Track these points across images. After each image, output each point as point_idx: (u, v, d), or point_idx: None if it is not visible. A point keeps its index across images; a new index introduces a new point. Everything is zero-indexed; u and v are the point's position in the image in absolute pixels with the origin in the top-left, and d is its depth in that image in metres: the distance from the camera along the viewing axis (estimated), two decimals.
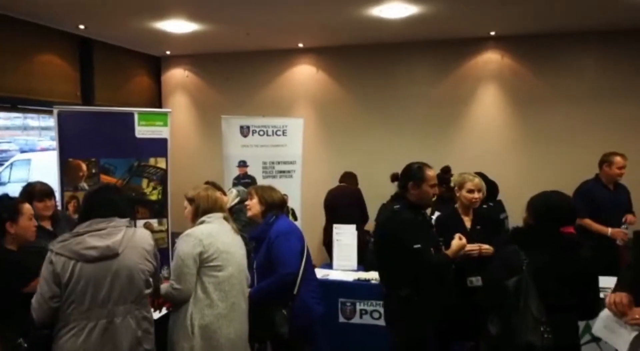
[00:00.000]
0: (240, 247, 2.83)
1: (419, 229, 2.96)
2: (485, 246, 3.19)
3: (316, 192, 5.97)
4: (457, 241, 3.01)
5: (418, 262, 2.86)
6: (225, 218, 2.83)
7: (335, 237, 4.68)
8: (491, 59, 6.34)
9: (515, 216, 4.95)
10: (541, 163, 6.15)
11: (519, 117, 6.29)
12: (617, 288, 2.27)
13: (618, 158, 4.43)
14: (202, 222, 2.75)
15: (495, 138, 6.38)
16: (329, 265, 4.64)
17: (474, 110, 6.46)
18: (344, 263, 4.53)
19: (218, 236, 2.71)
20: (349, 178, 5.90)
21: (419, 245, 2.86)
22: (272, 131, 5.18)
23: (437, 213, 3.95)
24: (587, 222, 4.31)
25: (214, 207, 2.80)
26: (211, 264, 2.65)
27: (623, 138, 5.75)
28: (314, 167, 6.55)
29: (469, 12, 5.22)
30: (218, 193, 2.99)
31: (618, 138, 5.77)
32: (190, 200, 2.84)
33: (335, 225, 4.84)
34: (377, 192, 5.37)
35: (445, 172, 4.95)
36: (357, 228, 4.74)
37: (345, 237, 4.64)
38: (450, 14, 5.21)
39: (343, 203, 5.54)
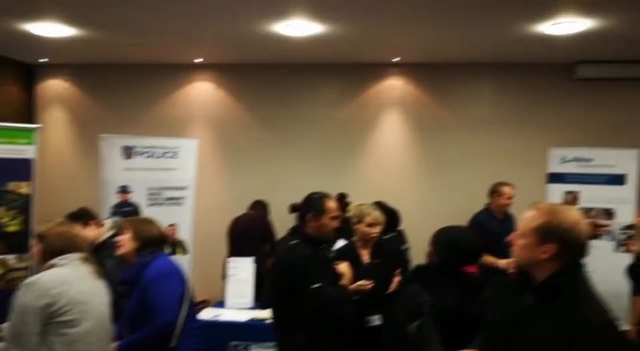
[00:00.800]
0: (101, 295, 2.31)
1: (318, 266, 2.68)
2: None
3: (213, 220, 5.49)
4: (342, 267, 2.79)
5: (316, 303, 2.57)
6: (84, 259, 2.30)
7: (230, 271, 4.25)
8: (395, 85, 6.31)
9: (417, 245, 4.90)
10: (442, 190, 6.16)
11: (421, 143, 6.28)
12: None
13: (506, 189, 4.54)
14: (52, 266, 2.21)
15: (398, 164, 6.31)
16: (222, 304, 4.19)
17: (377, 136, 6.36)
18: (238, 301, 4.10)
19: (72, 283, 2.17)
20: (258, 206, 5.51)
21: (318, 285, 2.57)
22: (161, 153, 4.64)
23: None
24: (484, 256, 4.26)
25: (68, 246, 2.26)
26: (62, 319, 2.11)
27: (517, 166, 5.92)
28: (210, 193, 6.07)
29: (373, 36, 5.13)
30: (77, 228, 2.45)
31: (512, 166, 5.94)
32: (40, 238, 2.29)
33: (230, 259, 4.43)
34: (279, 222, 5.09)
35: (340, 199, 4.76)
36: (262, 261, 4.35)
37: (242, 271, 4.23)
38: (355, 36, 5.07)
39: (247, 233, 5.13)
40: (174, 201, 4.69)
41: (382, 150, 6.34)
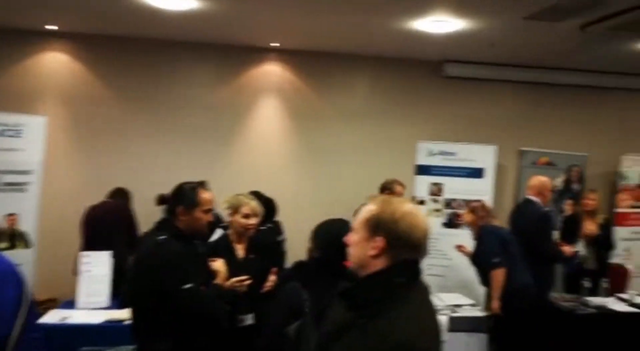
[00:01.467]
0: None
1: (189, 264, 2.42)
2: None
3: (63, 209, 4.88)
4: (216, 264, 2.57)
5: (188, 305, 2.33)
6: None
7: (83, 266, 3.77)
8: (273, 71, 6.11)
9: (293, 236, 4.81)
10: (318, 179, 6.13)
11: (298, 132, 6.16)
12: None
13: (398, 187, 4.75)
14: None
15: (274, 153, 6.14)
16: (72, 303, 3.69)
17: (253, 123, 6.13)
18: (91, 300, 3.65)
19: None
20: (119, 195, 4.95)
21: (189, 285, 2.34)
22: (0, 131, 3.97)
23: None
24: None
25: None
26: None
27: (389, 157, 6.10)
28: (60, 178, 5.38)
29: (252, 18, 4.87)
30: None
31: (385, 158, 6.11)
32: None
33: (83, 252, 3.93)
34: (143, 215, 4.62)
35: None
36: (121, 256, 3.91)
37: (97, 266, 3.77)
38: (233, 15, 4.76)
39: (105, 224, 4.59)
40: (15, 187, 4.03)
41: (259, 138, 6.12)
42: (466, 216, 4.43)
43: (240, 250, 2.91)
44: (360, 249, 1.45)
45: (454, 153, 5.89)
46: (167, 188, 2.60)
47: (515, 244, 4.16)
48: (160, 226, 2.51)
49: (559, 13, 3.95)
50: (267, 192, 4.27)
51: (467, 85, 6.22)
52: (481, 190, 5.74)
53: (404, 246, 1.41)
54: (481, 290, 5.62)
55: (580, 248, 5.04)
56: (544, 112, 6.37)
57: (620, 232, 5.69)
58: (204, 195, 2.48)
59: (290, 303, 2.17)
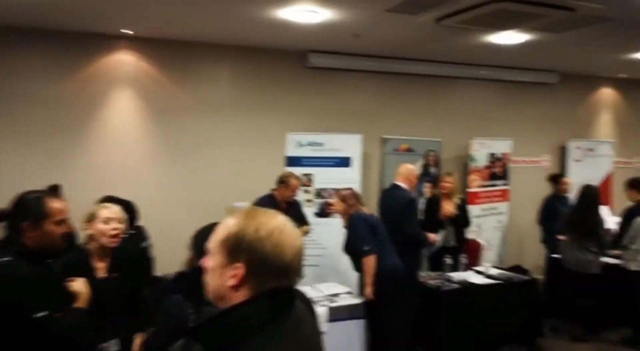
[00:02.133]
0: None
1: (42, 288, 2.06)
2: None
3: None
4: (76, 285, 2.25)
5: (42, 335, 2.01)
6: None
7: None
8: (126, 60, 5.58)
9: (161, 241, 4.46)
10: (183, 176, 5.77)
11: (157, 126, 5.73)
12: None
13: (294, 181, 4.83)
14: None
15: (133, 149, 5.64)
16: None
17: (106, 116, 5.56)
18: None
19: None
20: None
21: (44, 313, 2.01)
22: None
23: None
24: None
25: None
26: None
27: (258, 150, 5.97)
28: None
29: (98, 1, 4.35)
30: None
31: (254, 150, 5.97)
32: None
33: None
34: None
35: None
36: None
37: None
38: None
39: None
40: None
41: (112, 134, 5.56)
42: (336, 205, 4.45)
43: (101, 268, 2.55)
44: (216, 278, 1.15)
45: (322, 143, 5.94)
46: (4, 199, 2.18)
47: (384, 229, 4.29)
48: (3, 246, 2.09)
49: (417, 6, 4.11)
50: (126, 194, 3.87)
51: (332, 76, 6.30)
52: (350, 179, 5.87)
53: (270, 272, 1.12)
54: (355, 276, 5.79)
55: (440, 236, 5.40)
56: (403, 101, 6.71)
57: (473, 210, 6.22)
58: (53, 204, 2.11)
59: (173, 318, 1.96)
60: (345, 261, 5.90)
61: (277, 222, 1.17)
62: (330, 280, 4.97)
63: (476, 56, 6.27)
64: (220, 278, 1.14)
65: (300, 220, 4.98)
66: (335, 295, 4.33)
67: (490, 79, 7.07)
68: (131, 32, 5.33)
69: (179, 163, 5.78)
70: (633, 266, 5.07)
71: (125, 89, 5.61)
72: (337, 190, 5.76)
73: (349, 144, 5.96)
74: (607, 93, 8.04)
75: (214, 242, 1.17)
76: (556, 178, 6.40)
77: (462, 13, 4.11)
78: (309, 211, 5.79)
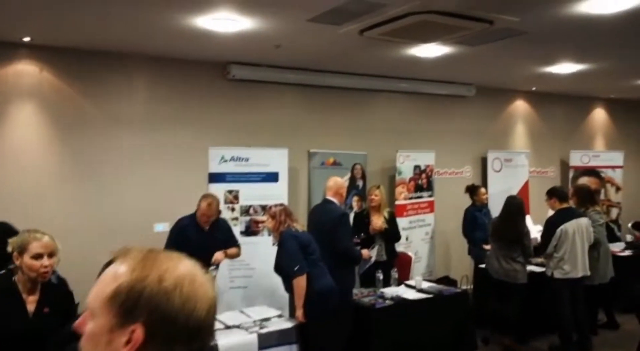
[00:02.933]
0: None
1: None
2: None
3: None
4: None
5: None
6: None
7: None
8: (27, 70, 5.05)
9: (70, 272, 4.00)
10: (93, 196, 5.27)
11: (65, 142, 5.19)
12: None
13: (203, 205, 4.48)
14: None
15: (35, 168, 5.07)
16: None
17: (5, 133, 4.99)
18: None
19: None
20: None
21: None
22: None
23: None
24: None
25: None
26: None
27: (178, 166, 5.63)
28: None
29: None
30: None
31: (174, 166, 5.61)
32: None
33: None
34: None
35: None
36: None
37: None
38: None
39: None
40: None
41: (15, 152, 4.99)
42: (267, 222, 4.23)
43: (31, 304, 2.31)
44: (101, 347, 0.84)
45: (247, 158, 5.68)
46: None
47: (316, 247, 4.11)
48: None
49: (339, 17, 4.01)
50: (29, 220, 3.43)
51: (254, 88, 6.08)
52: (277, 194, 5.65)
53: (178, 334, 0.84)
54: (286, 296, 5.55)
55: (374, 252, 5.32)
56: (328, 114, 6.61)
57: (401, 223, 6.19)
58: None
59: None
60: (276, 281, 5.63)
61: (186, 267, 0.89)
62: (260, 303, 4.72)
63: (398, 69, 6.32)
64: (108, 347, 0.84)
65: (228, 241, 4.67)
66: (266, 319, 4.08)
67: (412, 92, 7.16)
68: (29, 39, 4.82)
69: (90, 183, 5.28)
70: (557, 275, 5.17)
71: (27, 103, 5.07)
72: (267, 207, 5.59)
73: (276, 158, 5.76)
74: (520, 106, 8.42)
75: (96, 298, 0.86)
76: (473, 190, 6.53)
77: (385, 24, 4.06)
78: (235, 230, 5.49)
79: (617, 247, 6.36)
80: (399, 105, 7.23)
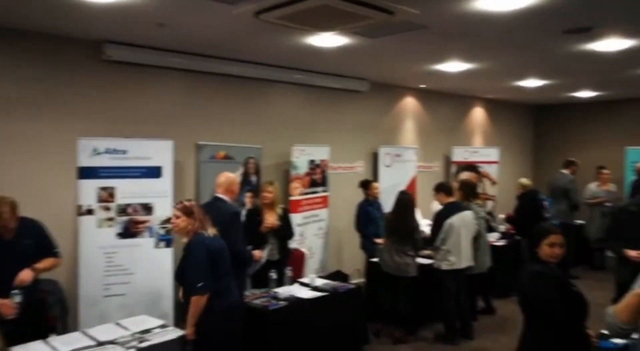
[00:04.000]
0: None
1: None
2: None
3: None
4: None
5: None
6: None
7: None
8: None
9: None
10: None
11: None
12: None
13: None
14: None
15: None
16: None
17: None
18: None
19: None
20: None
21: None
22: None
23: None
24: None
25: None
26: None
27: (45, 158, 4.89)
28: None
29: None
30: None
31: (40, 158, 4.85)
32: None
33: None
34: None
35: None
36: None
37: None
38: None
39: None
40: None
41: None
42: (180, 220, 3.48)
43: None
44: None
45: (125, 151, 5.06)
46: None
47: (228, 255, 3.62)
48: None
49: None
50: None
51: (135, 72, 5.45)
52: (160, 191, 5.13)
53: None
54: (168, 301, 5.07)
55: (266, 253, 5.03)
56: (219, 104, 6.16)
57: (295, 219, 5.96)
58: None
59: None
60: (158, 287, 5.16)
61: None
62: (140, 312, 4.20)
63: (295, 59, 6.05)
64: None
65: (41, 250, 3.63)
66: (146, 331, 3.60)
67: (308, 84, 6.95)
68: None
69: None
70: (444, 266, 5.33)
71: None
72: (143, 205, 5.04)
73: (159, 151, 5.20)
74: (410, 103, 8.60)
75: None
76: (366, 184, 6.52)
77: (283, 7, 3.76)
78: (110, 231, 4.89)
79: (492, 237, 6.71)
80: (295, 98, 6.98)
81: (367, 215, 6.28)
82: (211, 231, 3.54)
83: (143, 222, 5.06)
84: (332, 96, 7.32)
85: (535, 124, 11.30)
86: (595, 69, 6.52)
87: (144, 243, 5.02)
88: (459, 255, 5.30)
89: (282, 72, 6.52)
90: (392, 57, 5.92)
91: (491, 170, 9.20)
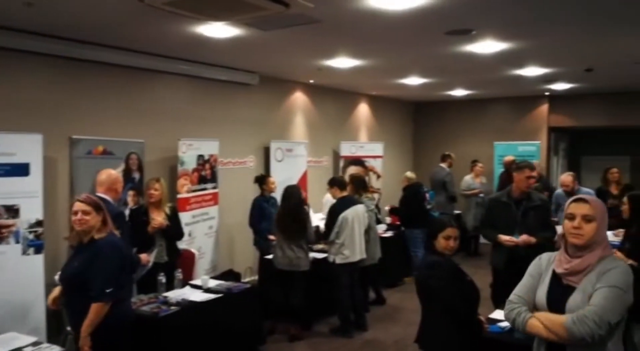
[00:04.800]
0: None
1: None
2: None
3: None
4: None
5: None
6: None
7: None
8: None
9: None
10: None
11: None
12: None
13: None
14: None
15: None
16: None
17: None
18: None
19: None
20: None
21: None
22: None
23: None
24: None
25: None
26: None
27: None
28: None
29: None
30: None
31: None
32: None
33: None
34: None
35: None
36: None
37: None
38: None
39: None
40: None
41: None
42: (89, 218, 3.11)
43: None
44: None
45: None
46: None
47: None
48: None
49: None
50: None
51: (1, 56, 4.79)
52: (29, 191, 4.58)
53: None
54: (40, 314, 4.56)
55: (154, 255, 4.71)
56: (97, 95, 5.62)
57: (184, 218, 5.66)
58: None
59: None
60: (27, 299, 4.64)
61: None
62: (7, 329, 3.71)
63: (183, 49, 5.72)
64: None
65: None
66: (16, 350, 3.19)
67: (196, 76, 6.62)
68: None
69: None
70: (338, 260, 5.38)
71: None
72: (8, 208, 4.45)
73: (26, 146, 4.62)
74: (300, 97, 8.60)
75: None
76: (262, 179, 6.40)
77: None
78: None
79: (380, 229, 6.94)
80: (182, 90, 6.60)
81: (262, 211, 6.15)
82: (118, 233, 3.28)
83: (8, 227, 4.47)
84: (221, 89, 7.06)
85: (414, 120, 11.94)
86: (471, 68, 7.00)
87: (9, 250, 4.44)
88: (353, 248, 5.39)
89: (168, 62, 6.14)
90: (284, 51, 5.85)
91: (376, 165, 9.55)
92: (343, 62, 6.44)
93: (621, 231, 6.44)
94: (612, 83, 8.57)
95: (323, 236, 5.64)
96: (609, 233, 6.55)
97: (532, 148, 10.21)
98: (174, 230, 4.91)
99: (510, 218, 4.34)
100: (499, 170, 9.82)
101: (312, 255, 5.62)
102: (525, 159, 9.78)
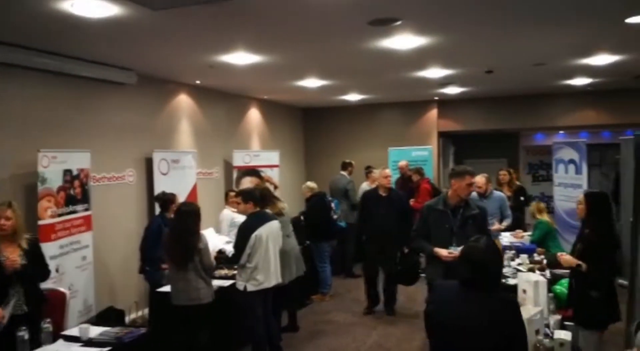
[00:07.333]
0: None
1: None
2: None
3: None
4: None
5: None
6: None
7: None
8: None
9: None
10: None
11: None
12: None
13: None
14: None
15: None
16: None
17: None
18: None
19: None
20: None
21: None
22: None
23: None
24: None
25: None
26: None
27: None
28: None
29: None
30: None
31: None
32: None
33: None
34: None
35: None
36: None
37: None
38: None
39: None
40: None
41: None
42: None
43: None
44: None
45: None
46: None
47: None
48: None
49: None
50: None
51: None
52: None
53: None
54: None
55: (10, 308, 3.50)
56: None
57: (48, 249, 4.44)
58: None
59: None
60: None
61: None
62: None
63: (38, 36, 4.50)
64: None
65: None
66: None
67: (58, 72, 5.29)
68: None
69: None
70: (250, 287, 4.55)
71: None
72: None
73: None
74: (184, 101, 7.58)
75: None
76: (166, 199, 5.36)
77: None
78: None
79: None
80: (39, 89, 5.25)
81: (159, 235, 4.97)
82: None
83: None
84: (91, 89, 5.83)
85: (305, 127, 11.43)
86: (376, 68, 6.63)
87: None
88: (267, 272, 4.60)
89: (24, 54, 4.83)
90: (171, 41, 4.88)
91: (272, 174, 8.81)
92: (241, 57, 5.63)
93: (520, 232, 6.49)
94: (506, 85, 8.78)
95: (231, 259, 4.78)
96: (507, 235, 6.68)
97: (424, 153, 10.22)
98: (34, 270, 3.72)
99: (447, 228, 4.07)
100: (394, 175, 9.63)
101: (215, 282, 4.74)
102: (418, 164, 9.95)
